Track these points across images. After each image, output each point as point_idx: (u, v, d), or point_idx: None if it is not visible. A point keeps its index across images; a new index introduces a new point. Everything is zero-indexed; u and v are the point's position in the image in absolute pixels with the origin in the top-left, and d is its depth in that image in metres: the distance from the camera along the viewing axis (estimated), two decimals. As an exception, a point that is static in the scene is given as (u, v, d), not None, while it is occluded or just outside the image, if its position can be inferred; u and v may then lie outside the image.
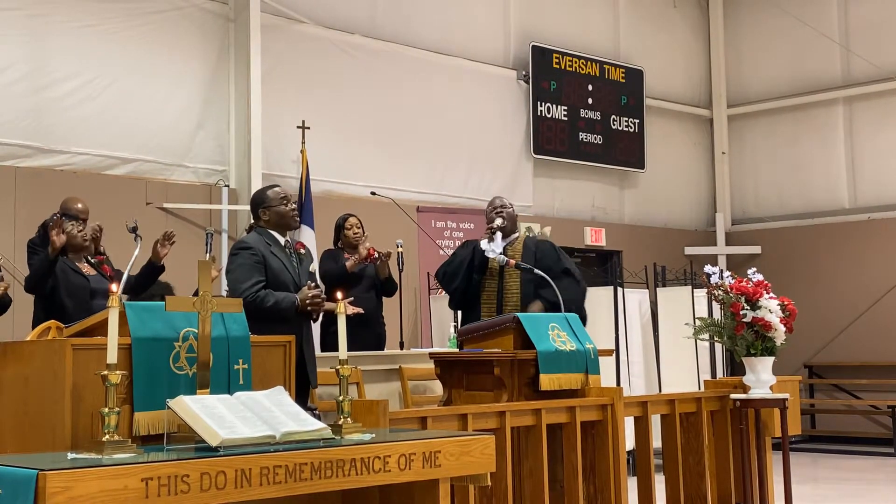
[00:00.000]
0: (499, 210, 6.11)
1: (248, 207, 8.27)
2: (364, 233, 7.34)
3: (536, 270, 5.73)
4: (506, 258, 5.84)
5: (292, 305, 4.85)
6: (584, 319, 5.54)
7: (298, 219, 5.53)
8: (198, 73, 8.62)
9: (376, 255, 7.16)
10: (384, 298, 7.45)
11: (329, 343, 6.77)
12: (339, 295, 3.64)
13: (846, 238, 12.12)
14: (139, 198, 8.09)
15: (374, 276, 7.20)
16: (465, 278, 5.95)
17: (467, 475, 3.40)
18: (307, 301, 4.88)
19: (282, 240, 5.05)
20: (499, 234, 5.94)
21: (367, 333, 7.01)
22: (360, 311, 6.88)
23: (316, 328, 7.10)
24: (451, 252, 6.41)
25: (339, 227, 7.38)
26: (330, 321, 5.16)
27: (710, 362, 9.61)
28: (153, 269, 6.05)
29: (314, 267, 5.28)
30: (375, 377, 6.60)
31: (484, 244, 5.89)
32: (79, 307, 5.46)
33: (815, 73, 12.53)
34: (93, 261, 5.86)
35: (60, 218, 5.65)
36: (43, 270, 5.60)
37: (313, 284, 5.00)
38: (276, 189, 5.15)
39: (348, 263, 7.09)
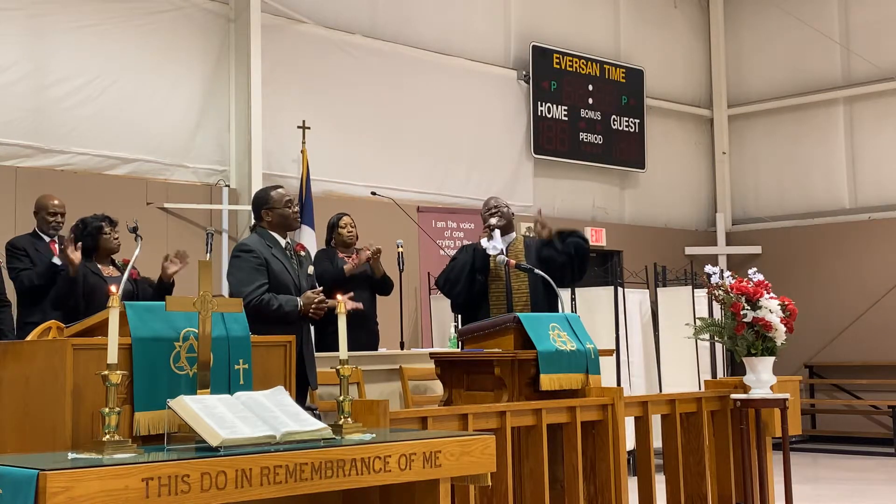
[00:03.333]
0: (493, 210, 6.09)
1: (248, 207, 8.33)
2: (357, 235, 7.29)
3: (537, 270, 5.73)
4: (506, 258, 5.84)
5: (295, 309, 4.87)
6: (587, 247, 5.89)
7: (300, 221, 5.52)
8: (198, 73, 8.62)
9: (369, 254, 7.12)
10: (380, 298, 7.41)
11: (326, 343, 6.75)
12: (339, 296, 3.65)
13: (846, 238, 12.12)
14: (139, 198, 8.09)
15: (369, 276, 7.15)
16: (468, 282, 5.92)
17: (468, 475, 3.40)
18: (312, 307, 4.89)
19: (282, 241, 5.06)
20: (497, 232, 5.93)
21: (362, 333, 6.96)
22: (360, 305, 6.82)
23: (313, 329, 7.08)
24: (451, 255, 6.37)
25: (333, 226, 7.34)
26: (326, 321, 5.15)
27: (710, 362, 9.61)
28: (162, 287, 5.89)
29: (312, 269, 5.28)
30: (376, 377, 6.60)
31: (484, 242, 5.88)
32: (95, 309, 5.44)
33: (815, 73, 12.53)
34: (118, 263, 5.88)
35: (70, 237, 5.63)
36: (65, 290, 5.58)
37: (319, 289, 5.00)
38: (280, 191, 5.15)
39: (346, 267, 7.04)
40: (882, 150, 12.05)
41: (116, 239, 5.84)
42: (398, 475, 3.15)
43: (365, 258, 7.07)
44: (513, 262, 5.83)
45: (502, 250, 5.87)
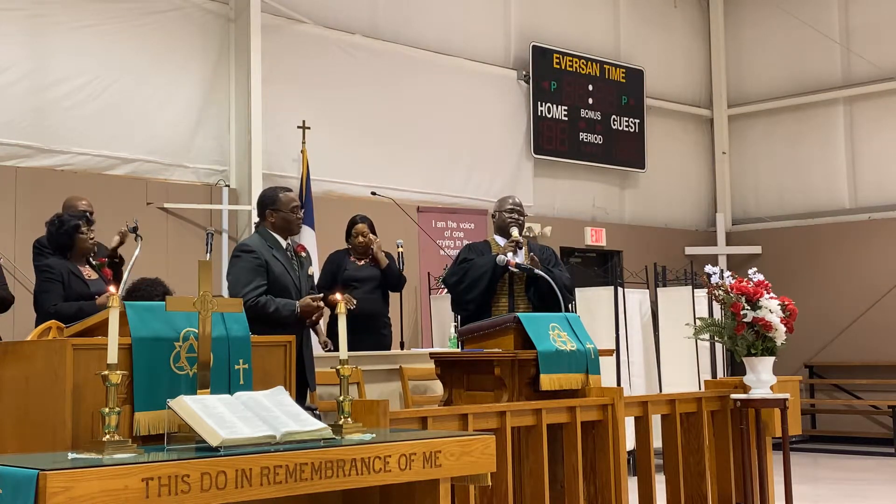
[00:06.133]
0: (517, 212, 6.04)
1: (248, 207, 8.34)
2: (376, 237, 7.19)
3: (537, 270, 5.73)
4: (506, 258, 5.83)
5: (292, 313, 4.85)
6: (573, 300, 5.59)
7: (301, 226, 5.50)
8: (198, 73, 8.62)
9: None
10: (391, 299, 7.34)
11: (334, 343, 6.71)
12: (338, 295, 3.65)
13: (846, 238, 12.12)
14: (139, 198, 8.09)
15: (377, 277, 7.10)
16: (486, 291, 5.88)
17: (468, 475, 3.40)
18: (313, 316, 4.88)
19: (283, 243, 5.06)
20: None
21: (372, 336, 6.91)
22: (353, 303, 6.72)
23: (320, 328, 7.06)
24: (454, 255, 6.33)
25: (350, 229, 7.25)
26: (335, 322, 5.12)
27: (710, 362, 9.61)
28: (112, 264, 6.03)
29: (312, 270, 5.28)
30: (376, 377, 6.60)
31: (510, 256, 5.81)
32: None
33: (815, 73, 12.53)
34: (94, 263, 5.82)
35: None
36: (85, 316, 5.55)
37: (319, 295, 4.98)
38: (290, 194, 5.15)
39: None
40: (882, 150, 12.05)
41: (93, 239, 5.71)
42: (398, 475, 3.15)
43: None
44: (513, 262, 5.82)
45: (503, 255, 5.83)
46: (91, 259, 5.80)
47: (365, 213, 7.38)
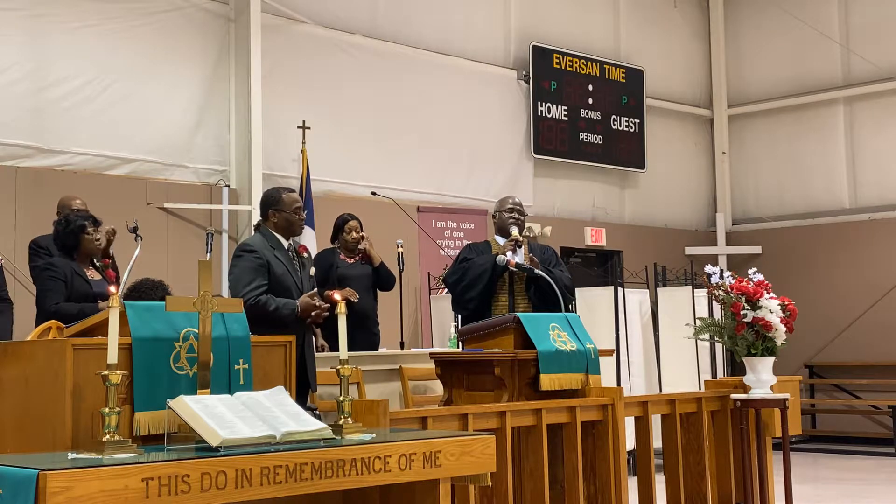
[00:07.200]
0: (517, 211, 6.05)
1: (249, 207, 8.34)
2: (364, 237, 7.18)
3: (537, 270, 5.73)
4: (506, 258, 5.83)
5: (292, 313, 4.84)
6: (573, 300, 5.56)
7: (303, 227, 5.50)
8: (198, 73, 8.62)
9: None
10: (380, 300, 7.33)
11: (328, 343, 6.72)
12: (337, 296, 3.64)
13: (846, 238, 12.12)
14: (139, 198, 8.09)
15: (369, 275, 7.09)
16: (485, 291, 5.88)
17: (468, 475, 3.40)
18: (314, 315, 4.87)
19: (285, 243, 5.06)
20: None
21: (363, 335, 6.90)
22: (355, 297, 6.70)
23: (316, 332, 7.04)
24: (454, 255, 6.33)
25: (339, 228, 7.26)
26: (330, 322, 5.11)
27: (710, 362, 9.61)
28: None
29: (314, 270, 5.27)
30: (376, 377, 6.59)
31: (509, 255, 5.82)
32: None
33: (815, 73, 12.54)
34: (98, 264, 5.81)
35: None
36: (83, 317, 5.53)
37: (314, 292, 4.97)
38: (293, 195, 5.14)
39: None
40: (882, 150, 12.05)
41: (98, 240, 5.68)
42: (398, 475, 3.15)
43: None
44: (512, 261, 5.82)
45: (503, 254, 5.84)
46: (95, 260, 5.79)
47: (365, 213, 7.38)
